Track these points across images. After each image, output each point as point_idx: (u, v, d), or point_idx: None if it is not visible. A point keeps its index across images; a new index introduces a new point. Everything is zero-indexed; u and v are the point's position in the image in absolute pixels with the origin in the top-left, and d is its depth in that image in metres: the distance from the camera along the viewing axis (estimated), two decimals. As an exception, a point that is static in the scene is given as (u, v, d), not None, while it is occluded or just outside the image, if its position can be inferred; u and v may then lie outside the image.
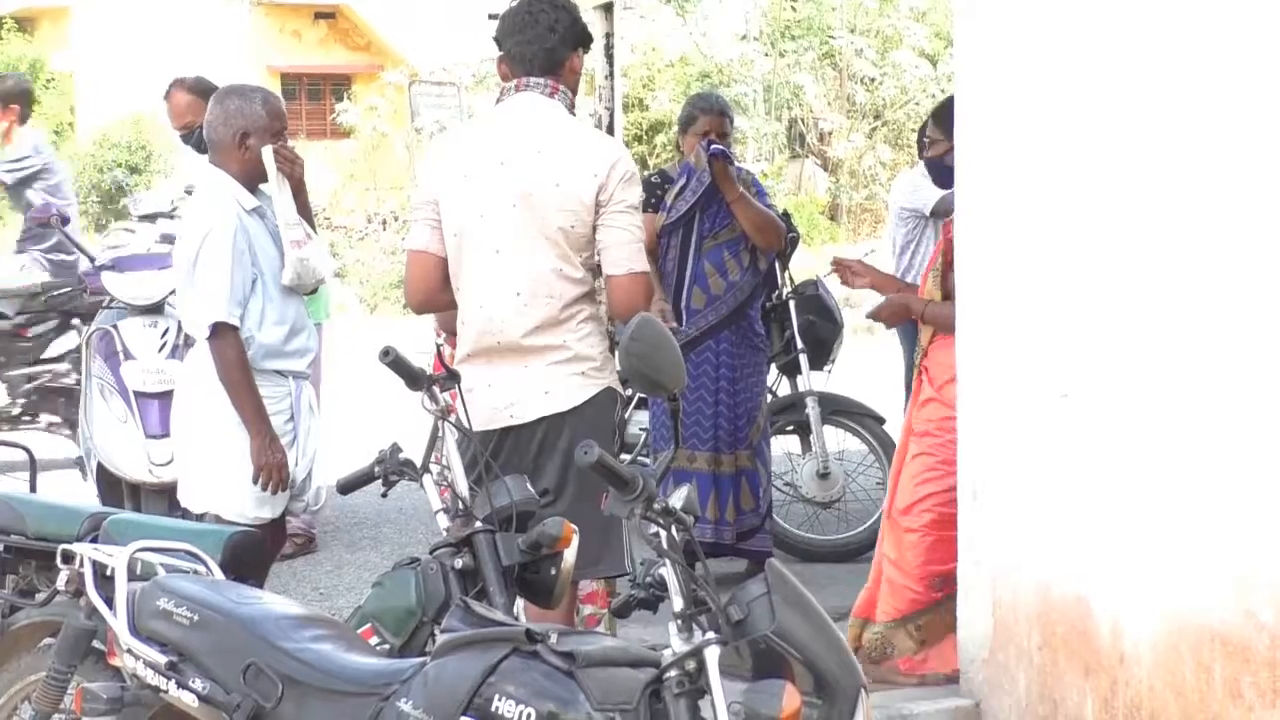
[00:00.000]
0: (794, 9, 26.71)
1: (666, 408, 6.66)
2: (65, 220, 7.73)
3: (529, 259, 4.85)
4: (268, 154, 5.52)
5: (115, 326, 7.26)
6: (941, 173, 6.24)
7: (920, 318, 5.91)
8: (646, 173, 7.23)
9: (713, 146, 7.07)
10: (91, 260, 7.61)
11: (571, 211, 4.82)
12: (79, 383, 7.71)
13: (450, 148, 5.10)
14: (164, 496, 6.75)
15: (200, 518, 5.44)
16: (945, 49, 25.80)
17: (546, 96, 4.96)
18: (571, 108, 5.07)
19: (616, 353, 4.21)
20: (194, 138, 7.40)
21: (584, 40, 5.10)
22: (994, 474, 5.22)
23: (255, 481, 5.34)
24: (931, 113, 6.64)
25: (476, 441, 4.68)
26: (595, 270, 4.96)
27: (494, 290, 4.88)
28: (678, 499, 3.40)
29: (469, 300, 4.95)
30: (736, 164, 7.25)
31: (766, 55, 25.34)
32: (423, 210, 5.03)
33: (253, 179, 5.56)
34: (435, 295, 5.08)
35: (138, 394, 7.07)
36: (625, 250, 4.89)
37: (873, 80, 25.44)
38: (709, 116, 7.31)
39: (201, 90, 7.48)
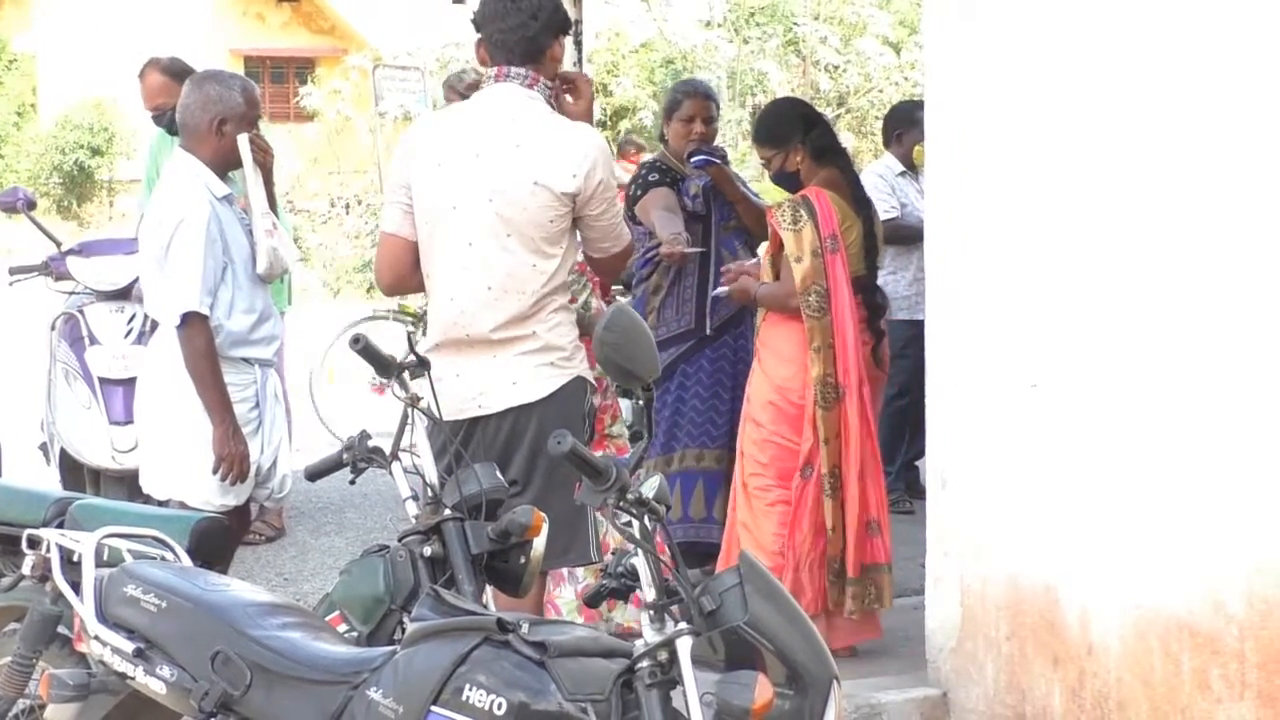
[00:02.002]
0: (758, -5, 26.75)
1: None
2: (31, 204, 7.66)
3: (502, 254, 4.80)
4: (243, 142, 5.49)
5: (81, 311, 7.20)
6: (785, 180, 6.31)
7: (755, 298, 6.23)
8: (651, 157, 7.11)
9: (696, 159, 6.95)
10: (58, 245, 7.55)
11: (549, 208, 4.78)
12: None
13: (425, 133, 5.03)
14: (124, 483, 6.71)
15: (164, 504, 5.42)
16: (909, 36, 25.85)
17: (526, 88, 4.87)
18: (551, 98, 4.98)
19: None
20: (165, 119, 7.35)
21: (565, 27, 5.02)
22: (962, 463, 5.23)
23: (215, 472, 5.33)
24: (752, 135, 6.69)
25: (446, 430, 4.66)
26: (566, 259, 4.92)
27: (465, 283, 4.84)
28: (650, 489, 3.39)
29: (439, 291, 4.92)
30: (723, 161, 7.13)
31: (730, 42, 25.33)
32: (396, 194, 4.98)
33: (225, 166, 5.53)
34: (405, 278, 5.06)
35: (102, 380, 7.02)
36: (609, 239, 4.95)
37: (836, 68, 25.45)
38: (694, 100, 7.19)
39: (176, 72, 7.43)
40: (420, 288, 5.07)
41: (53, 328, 7.22)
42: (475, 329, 4.85)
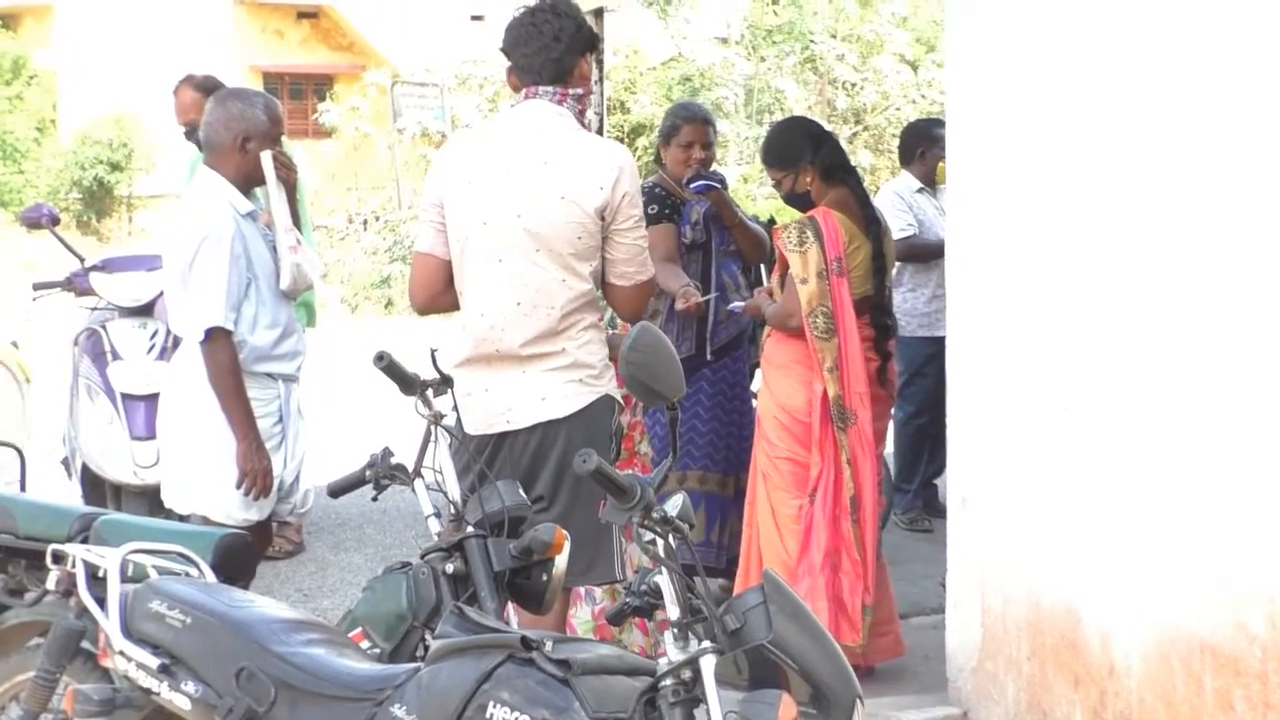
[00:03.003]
0: (775, 13, 26.74)
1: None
2: (55, 220, 7.69)
3: (531, 269, 4.83)
4: (267, 159, 5.52)
5: (104, 327, 7.22)
6: (797, 201, 6.32)
7: (762, 316, 6.31)
8: (649, 181, 7.09)
9: (696, 185, 6.90)
10: (81, 260, 7.58)
11: (578, 224, 4.81)
12: None
13: (456, 152, 5.08)
14: (146, 499, 6.73)
15: (186, 519, 5.44)
16: (926, 54, 25.84)
17: (555, 104, 4.94)
18: (582, 114, 5.05)
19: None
20: (196, 135, 7.40)
21: (590, 44, 5.06)
22: (983, 482, 5.23)
23: (239, 487, 5.35)
24: (761, 158, 6.65)
25: (471, 447, 4.68)
26: (598, 279, 4.96)
27: (495, 299, 4.87)
28: (674, 507, 3.40)
29: (470, 307, 4.95)
30: (722, 186, 7.08)
31: (748, 59, 25.34)
32: (429, 213, 5.03)
33: (249, 183, 5.56)
34: (439, 297, 5.08)
35: (124, 395, 7.03)
36: (633, 264, 4.94)
37: (854, 85, 25.44)
38: (692, 126, 7.12)
39: (209, 89, 7.45)
40: (454, 306, 5.08)
41: (75, 343, 7.24)
42: (505, 344, 4.88)
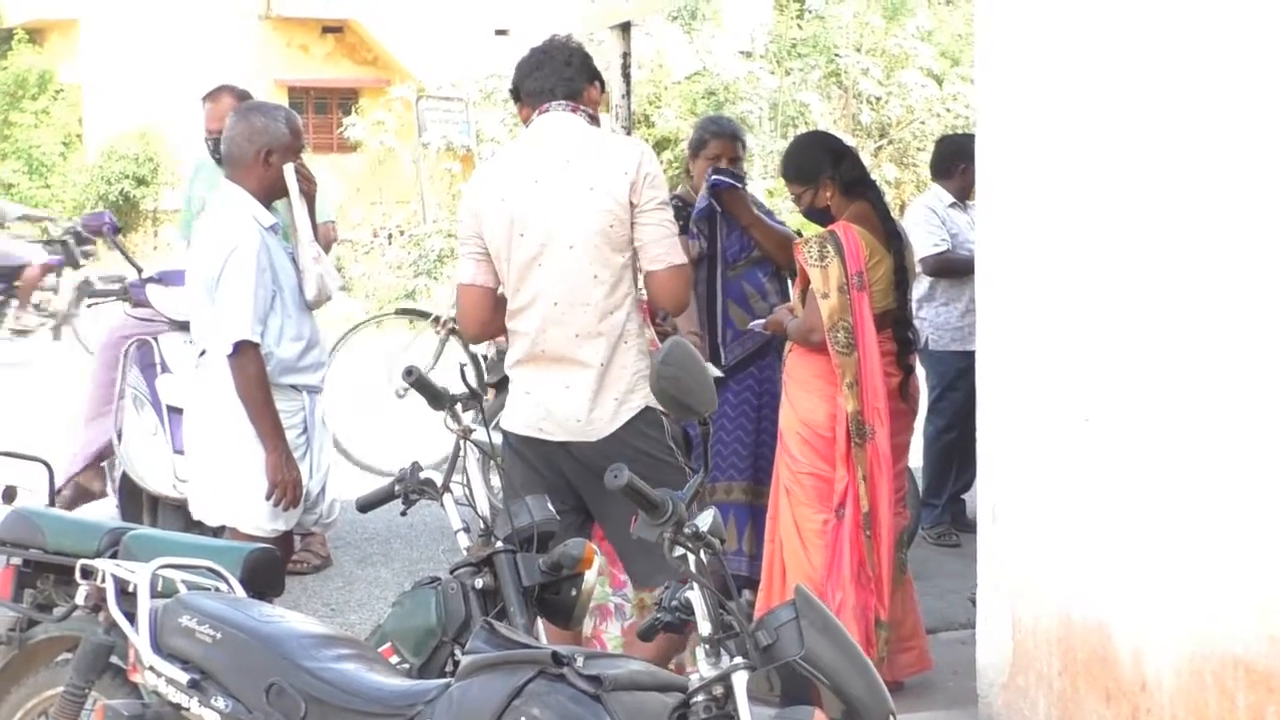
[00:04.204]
0: (800, 27, 26.75)
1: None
2: (116, 229, 7.69)
3: (564, 267, 4.94)
4: (289, 172, 5.56)
5: (155, 338, 7.22)
6: (817, 215, 6.31)
7: (786, 331, 6.27)
8: (673, 193, 7.03)
9: (713, 177, 6.88)
10: (139, 271, 7.59)
11: (609, 212, 4.92)
12: None
13: (484, 179, 5.17)
14: (181, 512, 6.73)
15: (218, 531, 5.46)
16: (951, 68, 25.84)
17: (569, 113, 5.07)
18: (592, 122, 5.16)
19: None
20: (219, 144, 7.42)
21: (596, 75, 5.24)
22: (1014, 497, 5.21)
23: (268, 498, 5.38)
24: (781, 173, 6.55)
25: (509, 448, 5.01)
26: (635, 275, 5.06)
27: (536, 305, 4.99)
28: (705, 522, 3.39)
29: (517, 318, 5.07)
30: (741, 185, 7.00)
31: (772, 73, 25.34)
32: (468, 245, 5.13)
33: (270, 196, 5.60)
34: (490, 323, 5.21)
35: (170, 408, 7.04)
36: (662, 245, 4.99)
37: (878, 99, 25.44)
38: (720, 140, 7.11)
39: (246, 99, 7.48)
40: (504, 329, 5.20)
41: (125, 353, 7.24)
42: (548, 345, 5.01)
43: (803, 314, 6.09)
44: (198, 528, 5.68)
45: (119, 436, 7.16)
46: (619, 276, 4.98)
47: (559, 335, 4.98)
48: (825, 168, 6.20)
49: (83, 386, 7.96)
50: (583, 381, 4.98)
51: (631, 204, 4.93)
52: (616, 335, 4.99)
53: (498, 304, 5.11)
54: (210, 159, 7.66)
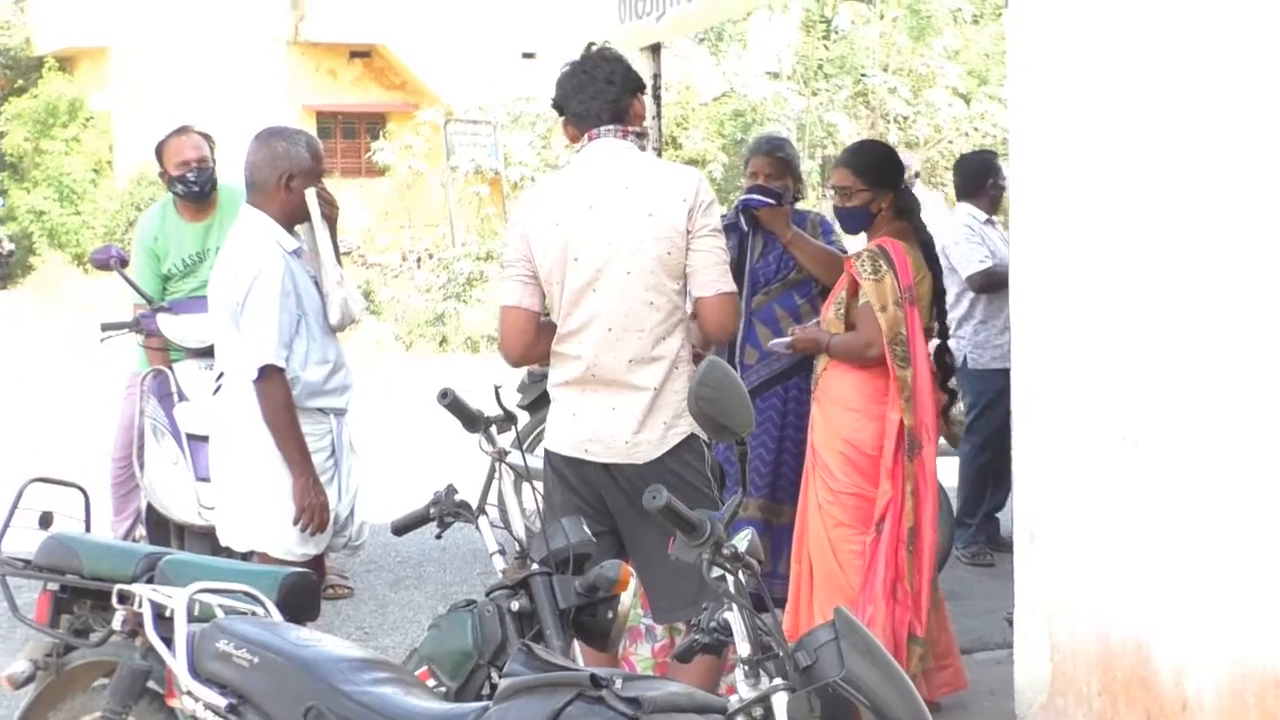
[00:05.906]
0: (826, 47, 26.79)
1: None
2: (124, 262, 7.74)
3: (619, 293, 4.93)
4: (311, 196, 5.57)
5: (170, 367, 7.26)
6: (859, 219, 6.26)
7: (826, 349, 6.16)
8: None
9: (745, 197, 6.85)
10: (150, 301, 7.62)
11: (667, 239, 4.91)
12: None
13: (535, 201, 5.15)
14: (208, 539, 6.74)
15: (247, 556, 5.46)
16: (979, 87, 25.85)
17: (619, 139, 5.04)
18: (643, 147, 5.14)
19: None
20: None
21: (640, 86, 5.21)
22: (1051, 517, 5.18)
23: (296, 522, 5.38)
24: (846, 162, 6.38)
25: (551, 468, 4.93)
26: (679, 300, 5.05)
27: (589, 329, 4.97)
28: (743, 543, 3.38)
29: (568, 337, 5.03)
30: (789, 202, 6.93)
31: (799, 94, 25.38)
32: (515, 267, 5.08)
33: (292, 220, 5.61)
34: (532, 348, 5.14)
35: (190, 436, 7.05)
36: (713, 272, 4.98)
37: (906, 119, 25.48)
38: (758, 157, 7.12)
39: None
40: (547, 356, 5.15)
41: (142, 384, 7.27)
42: (600, 369, 4.98)
43: (858, 328, 6.05)
44: (225, 553, 5.67)
45: (141, 467, 7.19)
46: (673, 302, 4.98)
47: (611, 360, 4.96)
48: (895, 183, 6.23)
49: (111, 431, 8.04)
50: (632, 404, 4.96)
51: (687, 231, 4.92)
52: (670, 360, 4.98)
53: (541, 328, 5.08)
54: (173, 199, 7.81)
